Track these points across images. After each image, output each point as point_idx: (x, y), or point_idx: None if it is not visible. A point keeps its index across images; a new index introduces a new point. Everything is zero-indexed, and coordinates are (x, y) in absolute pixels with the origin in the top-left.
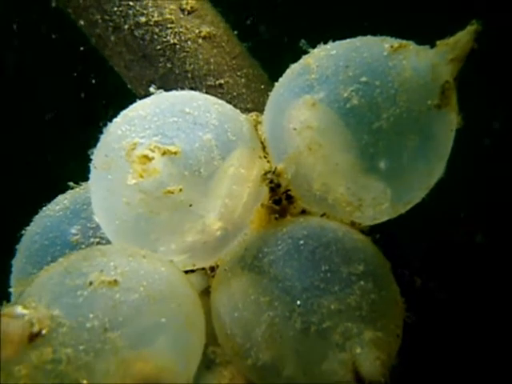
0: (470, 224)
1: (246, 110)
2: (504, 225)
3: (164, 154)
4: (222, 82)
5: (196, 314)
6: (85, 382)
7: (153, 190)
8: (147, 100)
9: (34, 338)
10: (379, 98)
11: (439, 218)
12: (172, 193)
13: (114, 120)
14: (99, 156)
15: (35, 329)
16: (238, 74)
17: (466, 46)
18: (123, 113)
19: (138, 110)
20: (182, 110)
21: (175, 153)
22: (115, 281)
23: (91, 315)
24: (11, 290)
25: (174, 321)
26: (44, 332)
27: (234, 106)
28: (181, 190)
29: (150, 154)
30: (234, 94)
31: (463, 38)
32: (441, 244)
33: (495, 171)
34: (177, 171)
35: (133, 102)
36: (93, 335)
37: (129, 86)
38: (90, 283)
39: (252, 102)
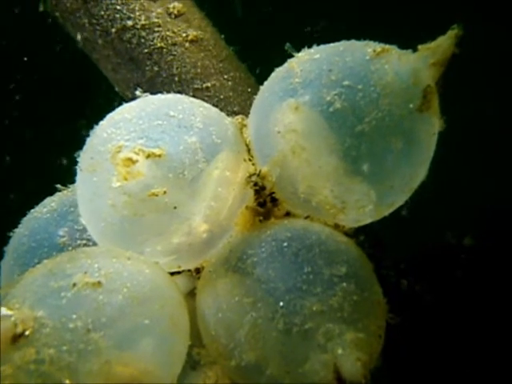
0: (459, 226)
1: (232, 113)
2: (492, 227)
3: (148, 156)
4: (208, 85)
5: (180, 316)
6: (67, 381)
7: (137, 192)
8: (133, 103)
9: (17, 338)
10: (362, 101)
11: (427, 219)
12: (156, 195)
13: (100, 123)
14: (85, 158)
15: (19, 330)
16: (225, 77)
17: (447, 50)
18: (109, 116)
19: (123, 113)
20: (166, 113)
21: (159, 155)
22: (99, 282)
23: (74, 316)
24: None
25: (158, 322)
26: (27, 333)
27: (221, 108)
28: (165, 192)
29: (134, 157)
30: (221, 96)
31: (444, 42)
32: (428, 246)
33: (484, 173)
34: (161, 174)
35: (120, 104)
36: (76, 336)
37: (116, 89)
38: (74, 285)
39: (239, 104)
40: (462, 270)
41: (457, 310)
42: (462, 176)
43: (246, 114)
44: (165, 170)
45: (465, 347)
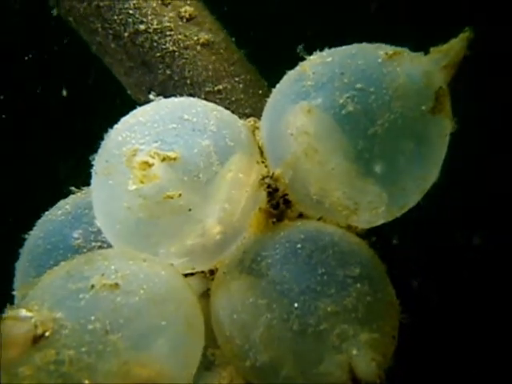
0: (467, 226)
1: (244, 115)
2: (501, 226)
3: (163, 160)
4: (220, 87)
5: (195, 317)
6: (87, 382)
7: (153, 195)
8: (147, 107)
9: (37, 340)
10: (374, 104)
11: (436, 220)
12: (171, 198)
13: (115, 126)
14: (100, 162)
15: (39, 331)
16: (236, 79)
17: (458, 52)
18: (124, 119)
19: (138, 116)
20: (181, 116)
21: (174, 159)
22: (116, 284)
23: (93, 318)
24: (14, 292)
25: (174, 323)
26: (47, 334)
27: (233, 111)
28: (180, 195)
29: (150, 161)
30: (233, 99)
31: (456, 45)
32: (438, 246)
33: (492, 173)
34: (176, 177)
35: (133, 108)
36: (94, 337)
37: (129, 92)
38: (92, 286)
39: (250, 107)
40: (472, 271)
41: (467, 311)
42: (471, 176)
43: (258, 116)
44: (180, 173)
45: (476, 347)
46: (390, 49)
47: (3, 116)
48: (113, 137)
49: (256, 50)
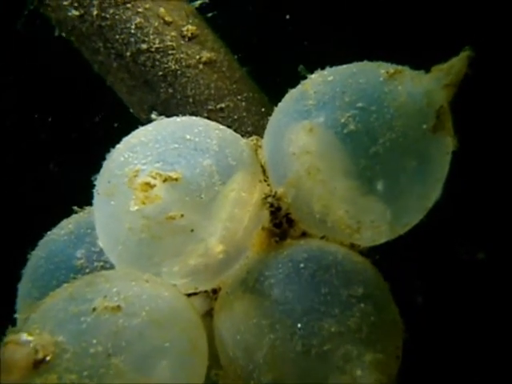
0: (472, 241)
1: (246, 133)
2: (506, 241)
3: (165, 180)
4: (222, 105)
5: (199, 338)
6: None
7: (155, 215)
8: (149, 126)
9: (38, 364)
10: (375, 123)
11: (440, 236)
12: (174, 218)
13: (117, 146)
14: (102, 182)
15: (40, 355)
16: (239, 97)
17: (459, 71)
18: (125, 139)
19: (139, 136)
20: (182, 136)
21: (176, 179)
22: (118, 306)
23: (95, 341)
24: (16, 315)
25: (177, 345)
26: (48, 359)
27: (235, 129)
28: (182, 215)
29: (152, 181)
30: (235, 117)
31: (457, 63)
32: (442, 262)
33: (496, 188)
34: (178, 197)
35: (136, 127)
36: (96, 361)
37: (131, 111)
38: (94, 309)
39: (252, 125)
40: (476, 286)
41: (471, 325)
42: (474, 192)
43: (260, 134)
44: (182, 193)
45: (479, 362)
46: (391, 67)
47: None
48: (115, 157)
49: (259, 67)
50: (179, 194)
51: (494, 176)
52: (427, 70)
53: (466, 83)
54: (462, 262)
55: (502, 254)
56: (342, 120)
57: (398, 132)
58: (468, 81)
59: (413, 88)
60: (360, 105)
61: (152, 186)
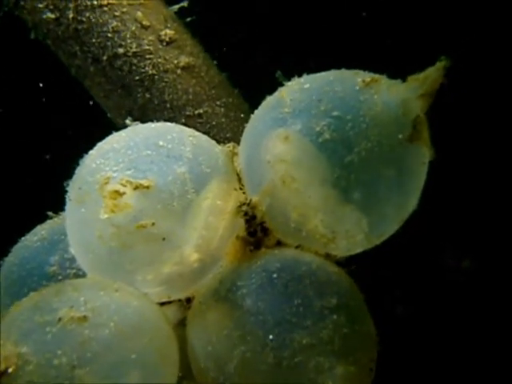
0: (457, 250)
1: (225, 139)
2: (492, 250)
3: (136, 188)
4: (200, 111)
5: (169, 348)
6: None
7: (125, 224)
8: (122, 132)
9: (0, 376)
10: (351, 132)
11: (422, 244)
12: (144, 227)
13: (90, 152)
14: (74, 188)
15: (1, 367)
16: (218, 103)
17: (435, 81)
18: (99, 145)
19: (112, 142)
20: (155, 143)
21: (148, 187)
22: (85, 317)
23: (59, 352)
24: None
25: (146, 356)
26: (10, 370)
27: (213, 135)
28: (153, 224)
29: (122, 189)
30: (213, 123)
31: (433, 73)
32: (424, 271)
33: (483, 196)
34: (149, 205)
35: (110, 132)
36: (60, 372)
37: (108, 115)
38: (60, 319)
39: (231, 131)
40: (460, 295)
41: (455, 335)
42: (460, 198)
43: (239, 140)
44: (153, 201)
45: (464, 371)
46: (367, 76)
47: None
48: (87, 163)
49: (238, 73)
50: (151, 201)
51: (479, 184)
52: (403, 79)
53: (442, 93)
54: (444, 270)
55: (486, 262)
56: (318, 128)
57: (374, 141)
58: (445, 91)
59: (389, 97)
60: (336, 113)
61: (121, 194)
